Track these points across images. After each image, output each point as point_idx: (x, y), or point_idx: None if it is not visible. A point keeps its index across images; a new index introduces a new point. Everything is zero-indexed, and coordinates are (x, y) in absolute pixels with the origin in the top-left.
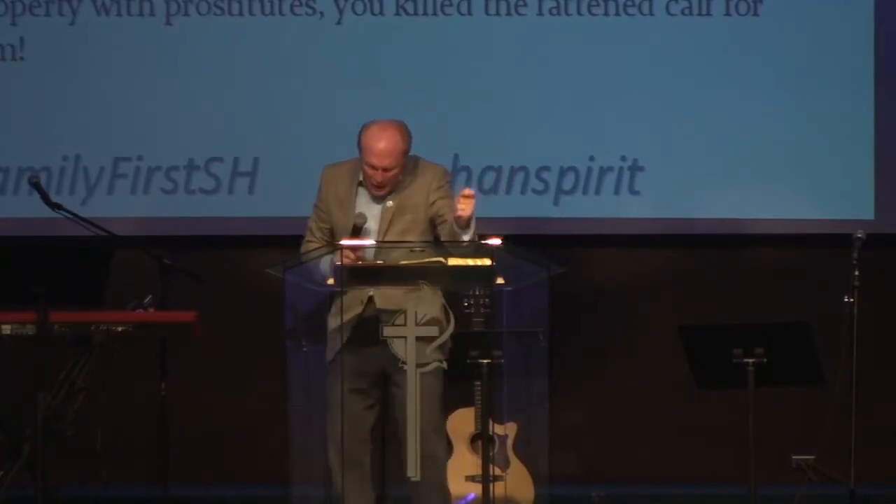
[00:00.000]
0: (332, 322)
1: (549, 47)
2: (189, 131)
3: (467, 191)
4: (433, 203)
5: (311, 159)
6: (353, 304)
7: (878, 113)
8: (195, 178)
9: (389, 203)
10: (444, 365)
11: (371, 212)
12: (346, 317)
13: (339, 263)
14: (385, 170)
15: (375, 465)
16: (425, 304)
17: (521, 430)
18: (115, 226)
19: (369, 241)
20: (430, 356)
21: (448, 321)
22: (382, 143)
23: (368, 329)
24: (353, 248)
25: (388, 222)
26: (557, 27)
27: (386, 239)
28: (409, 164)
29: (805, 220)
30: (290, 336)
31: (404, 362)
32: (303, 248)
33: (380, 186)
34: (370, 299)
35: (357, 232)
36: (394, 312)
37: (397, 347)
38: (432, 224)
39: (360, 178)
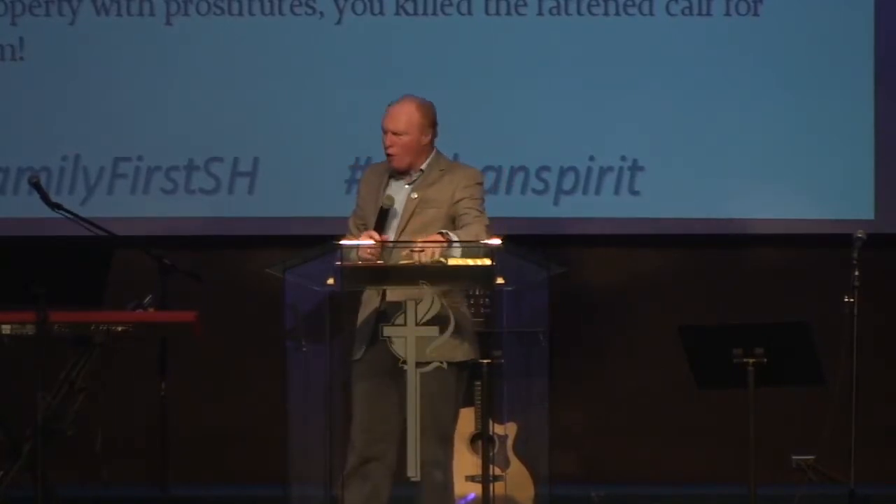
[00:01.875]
0: (359, 319)
1: (549, 47)
2: (189, 131)
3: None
4: (458, 201)
5: (311, 159)
6: (372, 298)
7: (878, 113)
8: (195, 178)
9: (414, 195)
10: (444, 365)
11: (399, 200)
12: (367, 312)
13: (338, 263)
14: (394, 133)
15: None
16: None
17: (521, 430)
18: (115, 226)
19: (368, 241)
20: (451, 353)
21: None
22: (397, 108)
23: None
24: (353, 247)
25: (410, 213)
26: (557, 27)
27: (407, 230)
28: (441, 161)
29: (805, 220)
30: (290, 336)
31: (404, 362)
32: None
33: (388, 152)
34: (383, 294)
35: (384, 214)
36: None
37: (398, 347)
38: (453, 221)
39: (392, 169)
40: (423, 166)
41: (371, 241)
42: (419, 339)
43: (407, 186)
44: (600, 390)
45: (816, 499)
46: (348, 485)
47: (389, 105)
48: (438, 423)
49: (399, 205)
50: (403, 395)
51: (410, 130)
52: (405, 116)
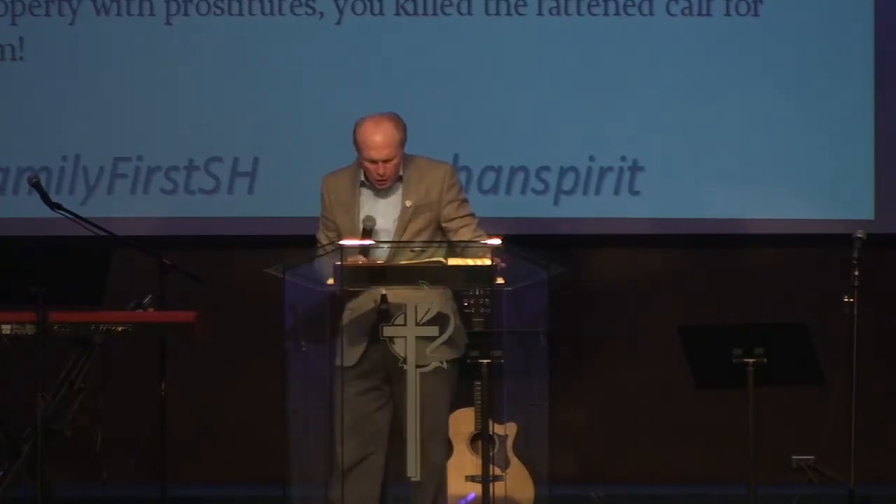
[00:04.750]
0: (346, 321)
1: (549, 47)
2: (189, 131)
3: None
4: (447, 204)
5: (311, 159)
6: (366, 301)
7: (878, 113)
8: (195, 178)
9: (408, 203)
10: (445, 365)
11: (379, 211)
12: (358, 314)
13: (338, 263)
14: (385, 161)
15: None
16: (431, 299)
17: (521, 430)
18: (115, 226)
19: (369, 241)
20: (433, 354)
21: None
22: (379, 136)
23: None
24: (356, 248)
25: (406, 222)
26: (557, 27)
27: (405, 237)
28: (411, 162)
29: (805, 220)
30: (290, 336)
31: (405, 362)
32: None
33: (382, 179)
34: (383, 297)
35: (367, 235)
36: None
37: (397, 347)
38: (439, 224)
39: (362, 179)
40: (400, 172)
41: (371, 242)
42: (419, 340)
43: (383, 193)
44: (600, 390)
45: (816, 499)
46: (340, 487)
47: (361, 130)
48: (437, 423)
49: (380, 213)
50: (397, 398)
51: (397, 153)
52: (392, 142)
